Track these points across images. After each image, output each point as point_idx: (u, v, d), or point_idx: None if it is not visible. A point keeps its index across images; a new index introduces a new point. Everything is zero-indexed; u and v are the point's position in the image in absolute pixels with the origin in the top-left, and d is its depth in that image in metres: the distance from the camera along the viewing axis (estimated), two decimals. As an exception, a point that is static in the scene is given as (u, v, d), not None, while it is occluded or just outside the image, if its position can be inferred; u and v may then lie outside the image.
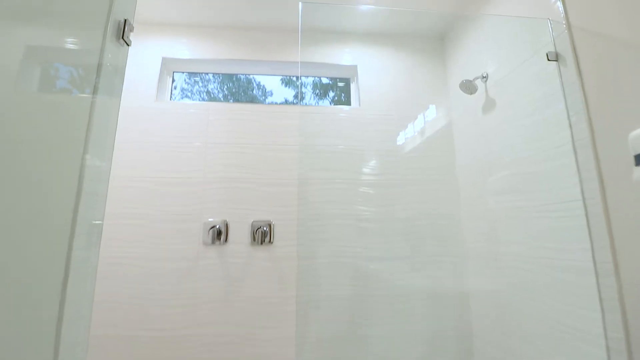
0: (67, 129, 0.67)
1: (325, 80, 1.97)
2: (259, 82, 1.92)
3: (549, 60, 1.12)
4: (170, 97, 1.79)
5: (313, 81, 1.96)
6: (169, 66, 1.82)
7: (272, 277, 1.52)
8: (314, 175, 1.64)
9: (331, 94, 1.97)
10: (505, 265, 1.33)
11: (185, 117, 1.65)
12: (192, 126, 1.65)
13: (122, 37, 0.91)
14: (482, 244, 1.50)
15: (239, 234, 1.54)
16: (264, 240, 1.53)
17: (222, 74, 1.89)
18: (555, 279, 1.07)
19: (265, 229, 1.54)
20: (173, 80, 1.83)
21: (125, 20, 0.92)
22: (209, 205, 1.56)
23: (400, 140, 1.77)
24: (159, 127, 1.63)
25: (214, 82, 1.88)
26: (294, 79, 1.94)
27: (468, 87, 1.45)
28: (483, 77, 1.48)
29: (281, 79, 1.92)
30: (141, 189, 1.54)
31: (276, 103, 1.89)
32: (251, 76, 1.91)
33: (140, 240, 1.48)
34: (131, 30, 0.96)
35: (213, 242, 1.49)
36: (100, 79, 0.83)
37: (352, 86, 1.95)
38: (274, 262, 1.53)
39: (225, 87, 1.90)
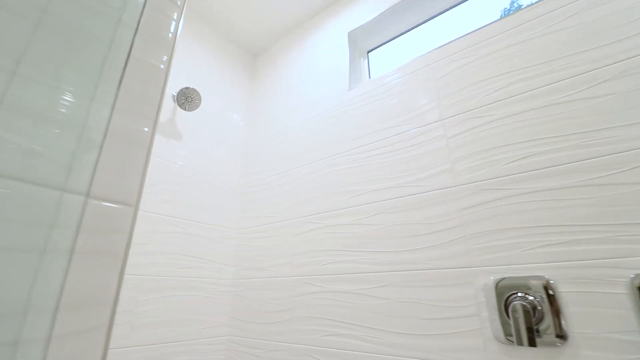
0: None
1: None
2: None
3: None
4: (369, 76, 1.17)
5: None
6: (358, 43, 1.24)
7: None
8: None
9: None
10: None
11: (396, 93, 0.94)
12: (412, 100, 0.90)
13: None
14: None
15: (597, 314, 0.55)
16: None
17: (435, 17, 1.10)
18: None
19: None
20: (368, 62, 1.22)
21: None
22: (482, 244, 0.68)
23: None
24: (353, 126, 0.99)
25: None
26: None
27: None
28: None
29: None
30: (347, 228, 0.88)
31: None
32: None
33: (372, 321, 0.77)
34: None
35: (520, 341, 0.56)
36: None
37: None
38: None
39: None
